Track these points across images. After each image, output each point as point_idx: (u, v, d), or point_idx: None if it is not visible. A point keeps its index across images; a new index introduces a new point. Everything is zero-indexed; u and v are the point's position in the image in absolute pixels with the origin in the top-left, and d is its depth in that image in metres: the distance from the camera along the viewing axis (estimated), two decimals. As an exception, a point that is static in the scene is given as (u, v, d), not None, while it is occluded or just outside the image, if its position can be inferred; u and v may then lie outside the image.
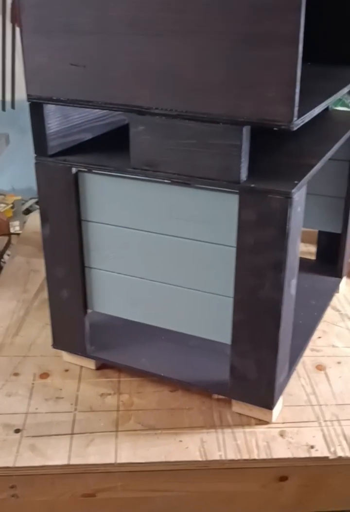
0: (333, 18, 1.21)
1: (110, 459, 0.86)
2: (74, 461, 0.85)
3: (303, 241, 1.50)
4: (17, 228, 2.76)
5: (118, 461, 0.85)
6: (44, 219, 0.93)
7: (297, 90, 0.70)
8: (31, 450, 0.87)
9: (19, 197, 3.17)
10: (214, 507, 0.89)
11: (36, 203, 3.07)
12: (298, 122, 0.73)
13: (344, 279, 1.31)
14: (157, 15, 0.73)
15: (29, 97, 0.85)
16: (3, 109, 3.12)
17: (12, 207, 3.10)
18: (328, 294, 1.23)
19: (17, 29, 2.95)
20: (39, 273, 1.37)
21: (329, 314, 1.22)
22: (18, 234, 2.03)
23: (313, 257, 1.39)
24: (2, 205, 3.05)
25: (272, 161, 0.88)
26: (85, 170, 0.88)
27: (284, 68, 0.69)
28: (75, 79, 0.81)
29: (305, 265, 1.33)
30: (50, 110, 0.86)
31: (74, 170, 0.88)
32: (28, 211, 3.09)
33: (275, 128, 0.72)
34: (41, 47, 0.81)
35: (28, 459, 0.85)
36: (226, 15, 0.70)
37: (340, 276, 1.28)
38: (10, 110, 3.13)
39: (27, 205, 3.19)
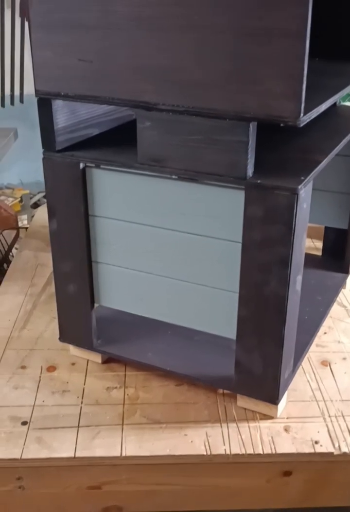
0: (341, 13, 1.20)
1: (115, 452, 0.86)
2: (80, 453, 0.86)
3: (310, 236, 1.50)
4: (25, 222, 2.77)
5: (124, 454, 0.86)
6: (51, 214, 0.94)
7: (304, 86, 0.70)
8: (37, 443, 0.88)
9: (27, 191, 3.18)
10: (218, 501, 0.90)
11: (44, 197, 3.08)
12: (305, 118, 0.73)
13: (351, 275, 1.31)
14: (161, 10, 0.73)
15: (37, 92, 0.86)
16: (12, 103, 3.14)
17: (21, 201, 3.12)
18: (334, 290, 1.23)
19: (26, 23, 2.95)
20: (46, 267, 1.38)
21: (335, 310, 1.21)
22: (26, 228, 2.04)
23: (319, 253, 1.39)
24: (11, 199, 3.07)
25: (278, 157, 0.88)
26: (93, 165, 0.88)
27: (291, 64, 0.69)
28: (83, 74, 0.81)
29: (311, 261, 1.33)
30: (58, 106, 0.87)
31: (81, 165, 0.88)
32: (36, 205, 3.11)
33: (281, 124, 0.72)
34: (49, 42, 0.82)
35: (34, 451, 0.86)
36: (232, 9, 0.69)
37: (346, 272, 1.28)
38: (18, 104, 3.14)
39: (35, 199, 3.21)
